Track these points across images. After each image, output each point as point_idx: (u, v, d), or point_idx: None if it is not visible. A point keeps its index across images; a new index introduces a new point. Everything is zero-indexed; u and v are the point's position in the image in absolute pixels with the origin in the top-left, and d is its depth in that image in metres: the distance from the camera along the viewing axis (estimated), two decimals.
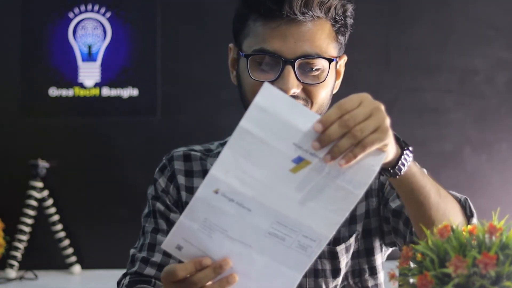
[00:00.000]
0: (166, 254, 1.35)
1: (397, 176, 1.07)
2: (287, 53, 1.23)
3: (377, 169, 0.95)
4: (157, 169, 1.45)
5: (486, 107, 3.24)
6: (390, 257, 1.49)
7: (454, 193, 1.23)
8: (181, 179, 1.40)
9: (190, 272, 0.98)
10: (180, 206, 1.39)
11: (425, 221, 1.10)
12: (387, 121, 0.96)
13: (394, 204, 1.32)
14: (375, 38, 3.21)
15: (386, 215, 1.34)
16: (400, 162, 1.07)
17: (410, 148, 1.08)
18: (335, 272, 1.35)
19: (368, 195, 1.37)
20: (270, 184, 0.94)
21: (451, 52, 3.23)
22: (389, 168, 1.07)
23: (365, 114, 0.94)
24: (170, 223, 1.37)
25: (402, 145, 1.08)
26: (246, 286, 0.98)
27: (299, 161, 0.94)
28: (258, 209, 0.94)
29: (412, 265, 0.87)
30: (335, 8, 1.27)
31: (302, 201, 0.95)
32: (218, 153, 1.43)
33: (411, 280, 0.85)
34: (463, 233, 0.85)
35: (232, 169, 0.93)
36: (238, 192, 0.93)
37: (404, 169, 1.07)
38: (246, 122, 0.93)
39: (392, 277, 0.88)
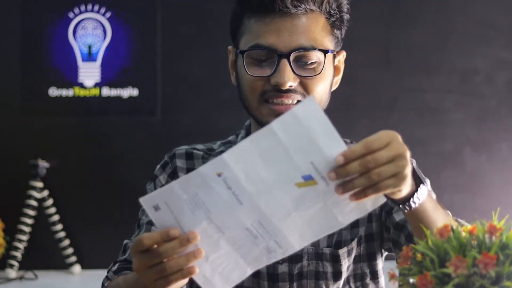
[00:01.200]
0: None
1: (407, 211, 1.07)
2: (282, 46, 1.23)
3: (370, 209, 0.97)
4: (158, 166, 1.45)
5: (486, 107, 3.24)
6: (389, 257, 1.50)
7: (463, 222, 1.22)
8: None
9: (156, 241, 0.97)
10: None
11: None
12: (408, 168, 0.96)
13: (398, 216, 1.32)
14: (375, 38, 3.21)
15: (387, 224, 1.34)
16: (412, 199, 1.06)
17: (427, 183, 1.07)
18: (336, 275, 1.35)
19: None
20: (272, 189, 0.95)
21: (451, 52, 3.23)
22: (401, 202, 1.07)
23: (388, 158, 0.95)
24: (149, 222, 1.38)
25: (417, 180, 1.06)
26: (200, 266, 0.99)
27: (308, 179, 0.95)
28: (249, 205, 0.95)
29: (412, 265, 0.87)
30: (328, 2, 1.28)
31: (291, 213, 0.96)
32: (220, 152, 1.43)
33: (411, 280, 0.85)
34: (463, 233, 0.85)
35: (244, 161, 0.94)
36: (239, 184, 0.94)
37: (415, 206, 1.07)
38: (277, 124, 0.93)
39: (392, 277, 0.88)
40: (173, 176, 1.41)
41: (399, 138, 0.98)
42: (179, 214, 0.97)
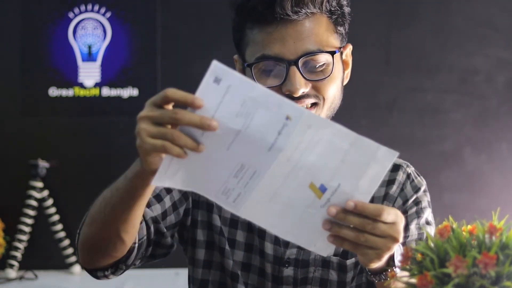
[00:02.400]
0: (156, 198, 1.35)
1: (378, 281, 1.11)
2: (288, 54, 1.23)
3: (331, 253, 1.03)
4: None
5: (486, 107, 3.24)
6: None
7: None
8: None
9: (179, 99, 0.96)
10: (187, 194, 1.39)
11: None
12: (388, 254, 1.01)
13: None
14: (375, 38, 3.21)
15: None
16: (380, 276, 1.10)
17: (396, 270, 1.08)
18: (341, 285, 1.35)
19: None
20: (298, 169, 0.96)
21: (451, 52, 3.23)
22: (371, 272, 1.11)
23: (383, 233, 0.98)
24: (160, 199, 1.37)
25: (391, 262, 1.09)
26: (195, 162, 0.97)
27: (322, 190, 0.96)
28: (270, 158, 0.95)
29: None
30: (328, 1, 1.27)
31: (277, 194, 0.98)
32: None
33: (411, 280, 0.85)
34: (463, 233, 0.85)
35: (312, 133, 0.94)
36: (288, 140, 0.94)
37: (382, 279, 1.10)
38: (358, 139, 0.95)
39: (392, 277, 0.88)
40: None
41: (402, 224, 1.01)
42: (226, 104, 0.93)
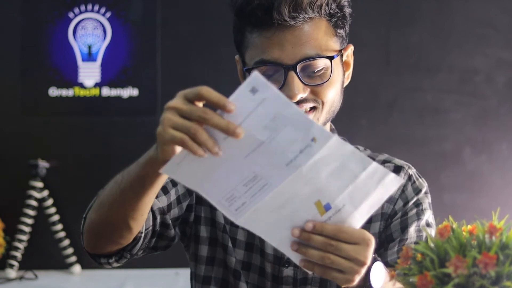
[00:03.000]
0: (162, 189, 1.35)
1: None
2: (287, 59, 1.22)
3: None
4: None
5: (486, 107, 3.24)
6: None
7: None
8: None
9: (212, 99, 0.96)
10: (186, 188, 1.39)
11: None
12: (358, 277, 1.01)
13: (390, 256, 1.33)
14: (375, 38, 3.21)
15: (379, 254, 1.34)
16: None
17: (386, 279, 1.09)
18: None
19: (380, 218, 1.37)
20: (309, 185, 0.97)
21: (451, 52, 3.23)
22: None
23: (348, 255, 0.99)
24: (167, 191, 1.37)
25: (367, 284, 1.09)
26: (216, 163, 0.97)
27: (326, 208, 0.98)
28: (285, 173, 0.96)
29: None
30: (327, 4, 1.26)
31: (281, 208, 0.99)
32: None
33: (411, 280, 0.85)
34: (463, 233, 0.85)
35: (330, 153, 0.95)
36: (307, 158, 0.95)
37: None
38: (376, 168, 0.97)
39: (392, 277, 0.88)
40: None
41: (371, 246, 1.01)
42: (256, 115, 0.94)
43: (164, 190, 1.36)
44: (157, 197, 1.33)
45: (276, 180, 0.96)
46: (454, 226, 0.86)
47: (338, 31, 1.29)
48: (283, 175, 0.96)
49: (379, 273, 1.09)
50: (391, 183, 0.99)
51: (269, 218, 1.00)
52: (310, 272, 1.05)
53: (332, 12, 1.27)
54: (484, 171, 3.22)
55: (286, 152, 0.95)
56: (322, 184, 0.97)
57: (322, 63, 1.24)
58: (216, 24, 3.10)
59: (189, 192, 1.39)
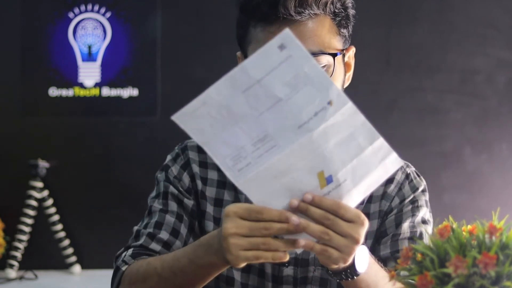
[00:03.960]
0: (173, 234, 1.34)
1: (340, 280, 1.12)
2: None
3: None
4: (170, 157, 1.44)
5: (486, 107, 3.23)
6: None
7: None
8: (195, 168, 1.40)
9: (272, 218, 0.98)
10: (193, 193, 1.39)
11: None
12: (351, 257, 1.02)
13: (383, 251, 1.33)
14: (375, 38, 3.21)
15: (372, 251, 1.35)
16: (340, 275, 1.10)
17: (358, 273, 1.09)
18: (341, 284, 1.35)
19: (378, 215, 1.37)
20: (318, 157, 0.97)
21: (452, 52, 3.23)
22: (333, 272, 1.11)
23: (343, 233, 1.00)
24: (184, 207, 1.36)
25: (352, 270, 1.10)
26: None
27: (328, 181, 0.98)
28: (298, 142, 0.96)
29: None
30: (332, 3, 1.27)
31: (285, 174, 0.99)
32: None
33: (411, 280, 0.85)
34: (463, 233, 0.84)
35: (345, 124, 0.96)
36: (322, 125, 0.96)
37: (343, 280, 1.11)
38: (389, 150, 0.99)
39: (392, 277, 0.88)
40: (186, 167, 1.40)
41: (365, 226, 1.02)
42: (280, 71, 0.95)
43: (175, 233, 1.36)
44: (171, 246, 1.33)
45: (285, 143, 0.96)
46: (454, 226, 0.86)
47: (342, 30, 1.30)
48: (293, 138, 0.95)
49: (363, 257, 1.09)
50: (392, 164, 0.99)
51: (269, 185, 0.98)
52: (298, 251, 1.04)
53: (336, 11, 1.28)
54: (484, 171, 3.22)
55: (301, 113, 0.95)
56: (328, 154, 0.96)
57: (324, 60, 1.25)
58: (216, 24, 3.10)
59: (192, 215, 1.39)
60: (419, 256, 0.86)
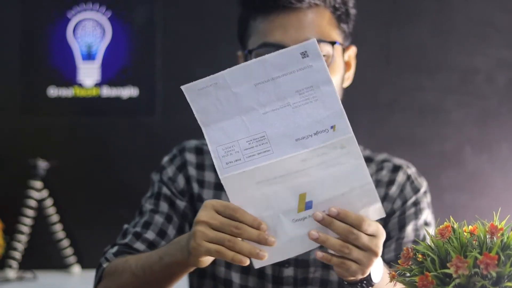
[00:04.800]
0: (159, 235, 1.34)
1: None
2: (289, 42, 1.23)
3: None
4: (167, 158, 1.44)
5: (487, 107, 3.23)
6: None
7: None
8: (192, 171, 1.40)
9: (248, 221, 0.98)
10: (188, 195, 1.39)
11: None
12: (369, 270, 1.00)
13: (387, 254, 1.33)
14: (375, 37, 3.20)
15: None
16: (356, 286, 1.10)
17: (373, 283, 1.09)
18: (342, 285, 1.35)
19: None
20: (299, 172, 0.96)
21: (452, 51, 3.22)
22: (345, 282, 1.10)
23: (364, 246, 1.00)
24: (175, 208, 1.36)
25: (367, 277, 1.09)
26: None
27: (307, 207, 0.97)
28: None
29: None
30: None
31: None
32: None
33: (412, 281, 0.85)
34: (464, 233, 0.84)
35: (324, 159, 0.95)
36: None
37: None
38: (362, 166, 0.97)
39: (393, 277, 0.88)
40: (182, 168, 1.40)
41: (383, 239, 1.02)
42: (296, 77, 0.96)
43: (162, 234, 1.35)
44: (156, 246, 1.33)
45: (279, 151, 0.95)
46: (455, 226, 0.86)
47: (341, 25, 1.31)
48: (287, 149, 0.95)
49: (378, 266, 1.09)
50: (374, 212, 0.99)
51: (250, 189, 0.98)
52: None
53: (336, 5, 1.29)
54: (485, 171, 3.22)
55: (303, 127, 0.94)
56: (317, 179, 0.96)
57: (324, 49, 1.25)
58: (216, 24, 3.10)
59: (184, 217, 1.38)
60: (420, 257, 0.86)
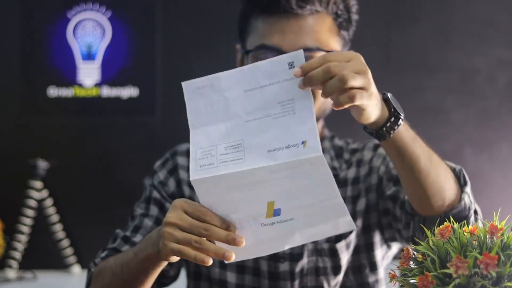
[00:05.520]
0: None
1: (383, 140, 1.07)
2: (287, 47, 1.23)
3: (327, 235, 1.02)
4: (159, 162, 1.45)
5: (487, 106, 3.23)
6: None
7: (449, 163, 1.23)
8: (183, 174, 1.40)
9: (217, 224, 0.98)
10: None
11: (415, 187, 1.10)
12: (374, 87, 0.97)
13: (389, 191, 1.33)
14: (375, 37, 3.20)
15: (385, 206, 1.35)
16: (386, 127, 1.06)
17: (401, 116, 1.06)
18: (336, 270, 1.35)
19: (367, 190, 1.38)
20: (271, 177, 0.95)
21: (452, 51, 3.22)
22: (375, 130, 1.06)
23: (351, 70, 0.95)
24: (164, 211, 1.37)
25: (392, 110, 1.06)
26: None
27: (276, 214, 0.97)
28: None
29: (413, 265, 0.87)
30: (335, 3, 1.28)
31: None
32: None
33: (412, 281, 0.85)
34: (464, 233, 0.84)
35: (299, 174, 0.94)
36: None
37: (391, 135, 1.06)
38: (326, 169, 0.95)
39: (393, 277, 0.88)
40: (173, 172, 1.41)
41: (362, 59, 0.98)
42: (281, 88, 0.95)
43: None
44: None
45: (251, 161, 0.95)
46: (455, 226, 0.86)
47: (342, 32, 1.30)
48: (259, 159, 0.95)
49: (396, 101, 1.07)
50: (344, 224, 0.98)
51: (220, 193, 0.98)
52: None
53: (339, 12, 1.29)
54: (485, 171, 3.22)
55: (276, 139, 0.94)
56: (285, 191, 0.96)
57: None
58: (216, 24, 3.10)
59: None
60: (420, 257, 0.85)
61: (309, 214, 0.97)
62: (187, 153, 1.43)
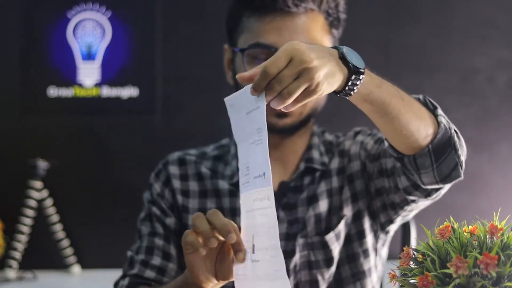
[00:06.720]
0: (165, 258, 1.35)
1: (349, 97, 1.06)
2: (282, 45, 1.24)
3: None
4: (153, 174, 1.45)
5: (487, 107, 3.23)
6: (390, 257, 1.49)
7: (413, 95, 1.24)
8: (176, 183, 1.40)
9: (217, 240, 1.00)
10: (176, 209, 1.40)
11: (398, 130, 1.09)
12: (319, 75, 0.91)
13: (376, 168, 1.34)
14: (375, 37, 3.20)
15: (377, 186, 1.35)
16: (348, 85, 1.03)
17: (361, 69, 1.02)
18: (329, 262, 1.35)
19: (350, 179, 1.38)
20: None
21: (452, 51, 3.22)
22: (338, 91, 1.04)
23: (292, 76, 0.90)
24: (166, 227, 1.37)
25: (351, 68, 1.02)
26: None
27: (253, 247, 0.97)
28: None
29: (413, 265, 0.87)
30: (327, 1, 1.29)
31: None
32: (213, 156, 1.44)
33: (412, 281, 0.85)
34: (464, 233, 0.84)
35: None
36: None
37: (354, 91, 1.04)
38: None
39: (393, 277, 0.88)
40: (167, 183, 1.41)
41: (301, 48, 0.91)
42: (256, 113, 0.93)
43: (166, 256, 1.37)
44: (165, 270, 1.34)
45: (252, 185, 0.95)
46: (455, 226, 0.86)
47: (333, 30, 1.32)
48: (245, 187, 0.95)
49: (354, 53, 1.04)
50: (279, 285, 0.91)
51: (245, 211, 0.98)
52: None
53: (330, 11, 1.30)
54: (485, 171, 3.22)
55: (249, 167, 0.94)
56: (258, 224, 0.95)
57: None
58: (216, 24, 3.08)
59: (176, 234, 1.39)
60: (420, 257, 0.85)
61: (260, 264, 0.93)
62: (178, 162, 1.43)
